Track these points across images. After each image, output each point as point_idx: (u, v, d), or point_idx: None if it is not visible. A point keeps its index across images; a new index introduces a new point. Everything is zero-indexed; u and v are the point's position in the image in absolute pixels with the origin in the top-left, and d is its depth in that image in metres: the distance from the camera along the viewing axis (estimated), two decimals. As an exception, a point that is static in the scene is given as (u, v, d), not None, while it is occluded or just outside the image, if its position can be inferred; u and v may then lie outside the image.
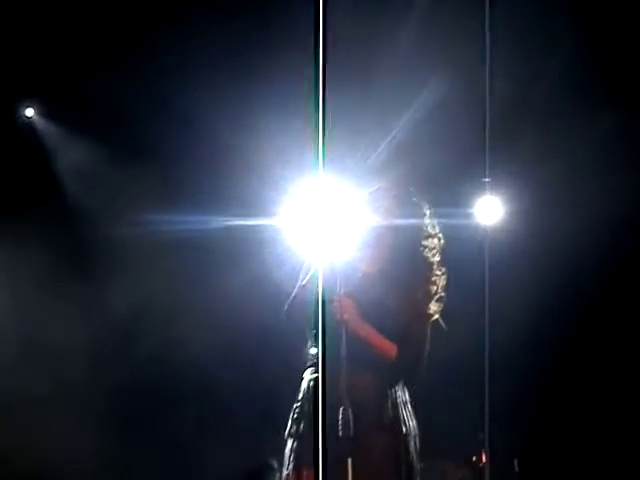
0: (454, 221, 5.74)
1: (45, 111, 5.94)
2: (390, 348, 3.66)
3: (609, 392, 5.75)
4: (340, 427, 3.45)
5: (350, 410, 3.47)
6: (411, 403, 3.78)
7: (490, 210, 5.67)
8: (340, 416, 3.46)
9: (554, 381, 5.81)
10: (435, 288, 3.71)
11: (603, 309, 5.73)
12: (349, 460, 3.41)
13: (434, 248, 3.72)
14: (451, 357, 5.48)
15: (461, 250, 5.54)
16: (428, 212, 3.76)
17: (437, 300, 3.72)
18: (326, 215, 3.84)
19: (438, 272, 3.72)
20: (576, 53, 5.49)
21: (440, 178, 5.56)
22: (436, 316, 3.73)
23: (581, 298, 5.65)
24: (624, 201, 5.49)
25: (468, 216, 5.74)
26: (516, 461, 5.58)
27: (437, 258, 3.72)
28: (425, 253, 3.70)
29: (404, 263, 3.67)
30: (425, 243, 3.70)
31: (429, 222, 3.74)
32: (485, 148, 5.45)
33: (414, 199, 3.77)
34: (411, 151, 5.23)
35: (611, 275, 5.66)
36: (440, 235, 3.76)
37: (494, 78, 5.21)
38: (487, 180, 5.56)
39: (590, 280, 5.63)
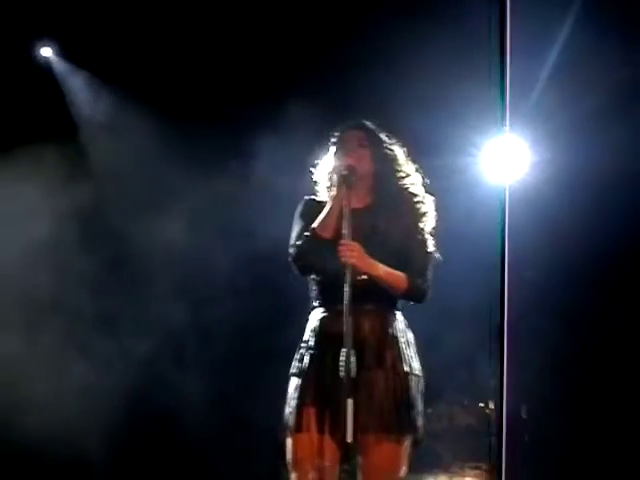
0: (472, 170, 5.76)
1: (63, 52, 5.97)
2: (401, 279, 3.70)
3: (627, 343, 5.74)
4: (342, 368, 3.45)
5: (352, 351, 3.48)
6: (417, 345, 3.82)
7: (509, 159, 5.64)
8: (342, 357, 3.46)
9: (569, 333, 5.80)
10: (425, 218, 3.83)
11: (627, 265, 5.70)
12: (349, 401, 3.43)
13: (413, 183, 3.87)
14: (464, 308, 5.51)
15: (479, 201, 5.56)
16: (404, 154, 3.92)
17: (431, 228, 3.85)
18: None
19: (423, 204, 3.85)
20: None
21: (457, 128, 5.55)
22: (433, 248, 3.82)
23: (605, 254, 5.61)
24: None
25: (487, 165, 5.72)
26: (524, 407, 5.61)
27: (420, 190, 3.88)
28: (406, 189, 3.86)
29: (389, 199, 3.82)
30: (405, 182, 3.86)
31: (406, 163, 3.90)
32: (504, 95, 5.41)
33: (391, 141, 3.91)
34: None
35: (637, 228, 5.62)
36: (420, 173, 3.92)
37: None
38: (506, 128, 5.52)
39: (615, 234, 5.59)
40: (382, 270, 3.66)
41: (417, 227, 3.81)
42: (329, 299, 3.72)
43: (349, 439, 3.41)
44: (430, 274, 3.79)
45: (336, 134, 3.90)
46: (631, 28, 5.44)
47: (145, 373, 5.91)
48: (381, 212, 3.79)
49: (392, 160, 3.87)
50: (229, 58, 5.89)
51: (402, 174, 3.86)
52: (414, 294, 3.74)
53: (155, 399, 5.97)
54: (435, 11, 5.42)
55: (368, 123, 3.92)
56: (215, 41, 5.81)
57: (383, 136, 3.90)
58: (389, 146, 3.89)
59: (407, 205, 3.83)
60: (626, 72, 5.44)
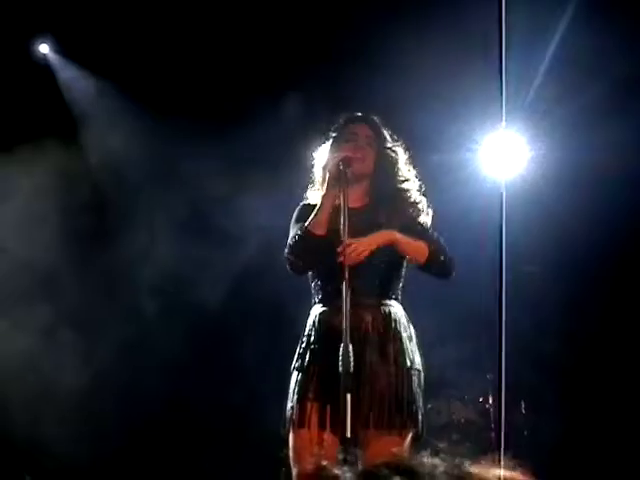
0: (470, 165, 5.76)
1: (60, 48, 5.97)
2: (421, 246, 3.68)
3: (626, 338, 5.75)
4: (340, 362, 3.43)
5: (351, 346, 3.45)
6: (418, 339, 3.80)
7: (507, 155, 5.64)
8: (340, 352, 3.44)
9: (568, 328, 5.81)
10: (422, 217, 3.79)
11: (625, 260, 5.70)
12: (348, 395, 3.41)
13: (410, 189, 3.82)
14: (462, 303, 5.51)
15: (477, 196, 5.56)
16: (406, 156, 3.86)
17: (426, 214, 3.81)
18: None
19: (418, 206, 3.81)
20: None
21: (455, 124, 5.55)
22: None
23: (602, 249, 5.61)
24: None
25: (485, 161, 5.72)
26: (523, 403, 5.61)
27: (416, 195, 3.82)
28: (404, 192, 3.80)
29: (386, 200, 3.77)
30: (403, 186, 3.81)
31: (406, 166, 3.85)
32: (502, 93, 5.41)
33: (394, 142, 3.86)
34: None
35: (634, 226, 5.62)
36: (418, 178, 3.87)
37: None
38: (504, 124, 5.53)
39: (613, 229, 5.59)
40: (403, 240, 3.63)
41: (417, 220, 3.78)
42: (329, 295, 3.69)
43: (348, 434, 3.39)
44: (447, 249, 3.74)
45: (340, 122, 3.82)
46: (629, 24, 5.44)
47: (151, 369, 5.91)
48: (379, 210, 3.75)
49: (394, 163, 3.81)
50: (228, 54, 5.88)
51: (401, 178, 3.82)
52: (439, 261, 3.68)
53: (157, 394, 5.97)
54: (434, 10, 5.42)
55: (375, 118, 3.85)
56: (215, 37, 5.80)
57: (388, 135, 3.84)
58: (393, 147, 3.83)
59: (404, 205, 3.79)
60: (623, 68, 5.44)
